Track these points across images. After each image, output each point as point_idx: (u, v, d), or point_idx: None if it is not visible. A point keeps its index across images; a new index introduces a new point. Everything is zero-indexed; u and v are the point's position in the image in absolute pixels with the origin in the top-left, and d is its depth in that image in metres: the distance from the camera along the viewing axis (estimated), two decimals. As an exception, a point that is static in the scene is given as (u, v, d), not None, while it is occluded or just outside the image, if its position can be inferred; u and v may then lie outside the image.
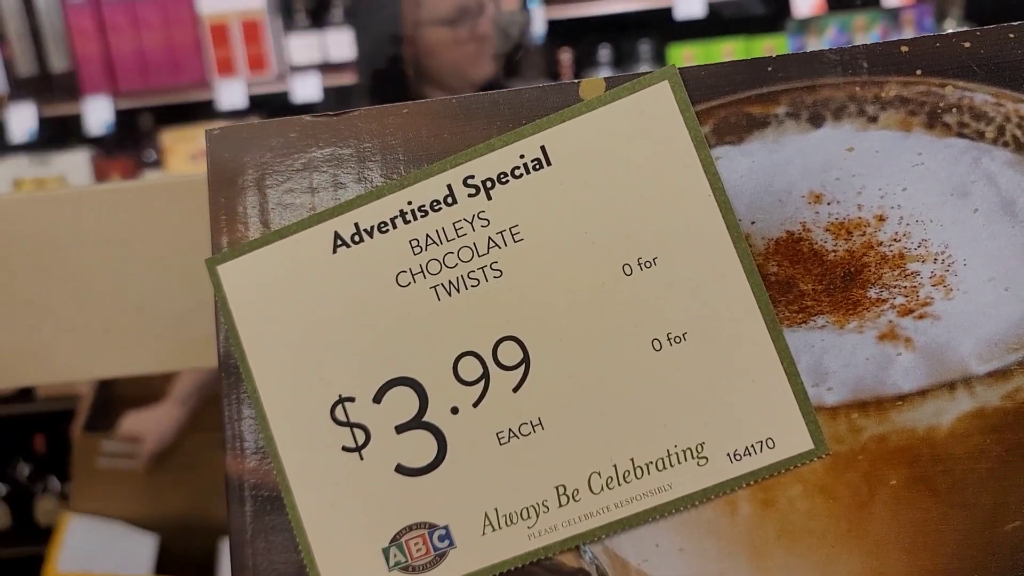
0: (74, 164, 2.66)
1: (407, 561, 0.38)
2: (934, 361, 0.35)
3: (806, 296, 0.36)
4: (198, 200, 0.45)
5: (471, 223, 0.38)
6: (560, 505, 0.37)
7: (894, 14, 2.72)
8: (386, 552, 0.38)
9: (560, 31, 2.71)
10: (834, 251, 0.36)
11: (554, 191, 0.38)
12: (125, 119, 2.69)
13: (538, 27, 2.64)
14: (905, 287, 0.35)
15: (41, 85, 2.65)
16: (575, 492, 0.37)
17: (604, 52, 2.75)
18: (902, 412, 0.35)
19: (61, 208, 0.52)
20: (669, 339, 0.37)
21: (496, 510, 0.37)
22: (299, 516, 0.38)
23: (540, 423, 0.37)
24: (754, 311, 0.36)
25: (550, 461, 0.37)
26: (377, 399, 0.38)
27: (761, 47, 2.69)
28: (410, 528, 0.38)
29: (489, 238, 0.38)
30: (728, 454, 0.36)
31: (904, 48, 0.36)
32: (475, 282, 0.38)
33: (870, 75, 0.36)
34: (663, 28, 2.74)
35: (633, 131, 0.37)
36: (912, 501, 0.35)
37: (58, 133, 2.71)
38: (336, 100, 2.79)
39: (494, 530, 0.37)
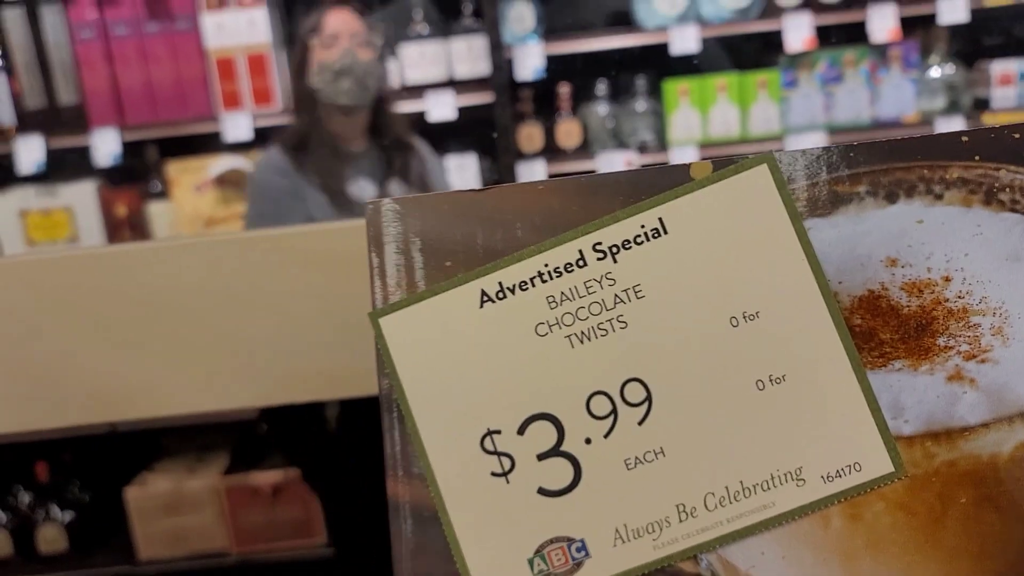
0: (81, 195, 2.71)
1: (549, 570, 0.45)
2: (995, 399, 0.42)
3: (885, 344, 0.43)
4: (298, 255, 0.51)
5: (599, 282, 0.45)
6: (680, 521, 0.44)
7: (882, 50, 2.83)
8: (531, 562, 0.45)
9: (559, 66, 2.79)
10: (908, 306, 0.43)
11: (670, 255, 0.45)
12: (131, 151, 2.74)
13: (537, 62, 2.73)
14: (969, 336, 0.43)
15: (49, 117, 2.70)
16: (693, 509, 0.44)
17: (601, 86, 2.84)
18: (968, 441, 0.42)
19: (173, 257, 0.59)
20: (771, 380, 0.44)
21: (625, 525, 0.44)
22: (454, 532, 0.45)
23: (662, 451, 0.44)
24: (842, 356, 0.44)
25: (671, 483, 0.44)
26: (521, 431, 0.45)
27: (754, 81, 2.79)
28: (551, 541, 0.45)
29: (615, 295, 0.45)
30: (822, 476, 0.44)
31: (965, 139, 0.43)
32: (604, 332, 0.45)
33: (936, 160, 0.44)
34: (659, 63, 2.83)
35: (737, 205, 0.45)
36: (979, 516, 0.42)
37: (65, 164, 2.76)
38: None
39: (624, 542, 0.44)
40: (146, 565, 2.86)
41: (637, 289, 0.45)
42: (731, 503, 0.44)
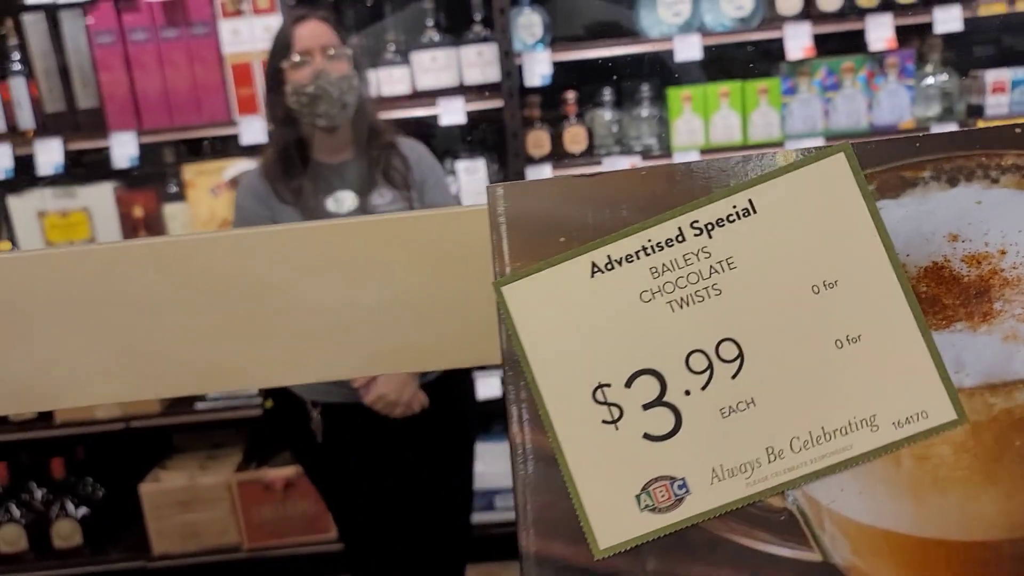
0: (98, 197, 2.76)
1: (654, 505, 0.51)
2: (1044, 354, 0.49)
3: (948, 308, 0.50)
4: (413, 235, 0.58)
5: (696, 255, 0.52)
6: (769, 462, 0.51)
7: (879, 58, 2.92)
8: (638, 498, 0.51)
9: (565, 73, 2.87)
10: (967, 275, 0.50)
11: (759, 232, 0.52)
12: (148, 153, 2.80)
13: (545, 69, 2.80)
14: (1022, 301, 0.49)
15: (68, 121, 2.75)
16: (780, 452, 0.51)
17: (607, 93, 2.91)
18: (1023, 392, 0.49)
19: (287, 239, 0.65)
20: (848, 339, 0.51)
21: (721, 466, 0.51)
22: (570, 473, 0.52)
23: (753, 401, 0.51)
24: (910, 319, 0.50)
25: (761, 429, 0.51)
26: (628, 384, 0.52)
27: (755, 88, 2.87)
28: (656, 480, 0.51)
29: (711, 266, 0.52)
30: (893, 422, 0.50)
31: (1018, 130, 0.50)
32: (700, 298, 0.52)
33: (992, 148, 0.50)
34: (663, 70, 2.91)
35: (818, 188, 0.51)
36: (1031, 454, 0.49)
37: (83, 167, 2.81)
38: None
39: (720, 481, 0.51)
40: (159, 559, 2.91)
41: (730, 261, 0.52)
42: (814, 446, 0.51)
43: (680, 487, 0.51)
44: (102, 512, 3.03)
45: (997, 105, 2.98)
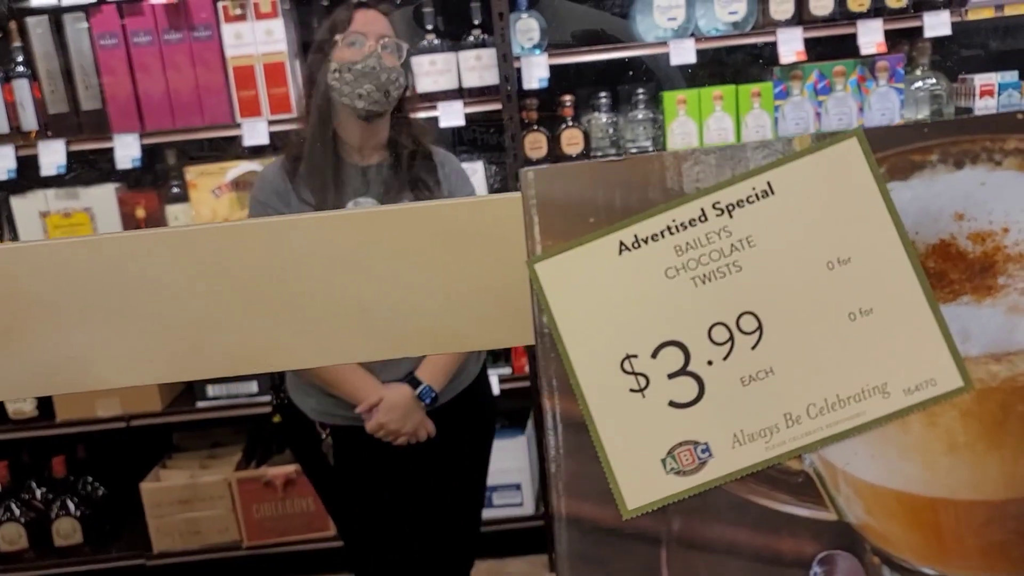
0: (101, 197, 2.79)
1: (679, 467, 0.54)
2: (1044, 324, 0.52)
3: (954, 283, 0.54)
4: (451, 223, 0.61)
5: (718, 234, 0.55)
6: (787, 427, 0.54)
7: (870, 62, 2.96)
8: (663, 462, 0.55)
9: (562, 76, 2.90)
10: (973, 252, 0.54)
11: (777, 212, 0.55)
12: (151, 155, 2.82)
13: (543, 72, 2.83)
14: None
15: (71, 122, 2.77)
16: (797, 418, 0.54)
17: (603, 96, 2.95)
18: (1024, 359, 0.52)
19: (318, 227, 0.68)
20: (860, 312, 0.54)
21: (742, 431, 0.54)
22: (599, 438, 0.55)
23: (771, 370, 0.54)
24: (919, 292, 0.54)
25: (779, 397, 0.54)
26: (654, 355, 0.55)
27: (749, 92, 2.91)
28: (680, 444, 0.55)
29: (731, 244, 0.55)
30: (903, 389, 0.54)
31: (1020, 115, 0.54)
32: (722, 274, 0.55)
33: (995, 133, 0.54)
34: (658, 74, 2.95)
35: (832, 171, 0.55)
36: (1032, 417, 0.52)
37: (86, 168, 2.84)
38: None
39: (740, 445, 0.54)
40: (159, 557, 2.93)
41: (750, 239, 0.55)
42: (829, 412, 0.54)
43: (703, 451, 0.55)
44: (102, 510, 3.04)
45: (985, 108, 3.03)
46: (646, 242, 0.55)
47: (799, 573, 0.54)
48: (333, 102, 1.94)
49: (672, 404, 0.55)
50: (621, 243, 0.56)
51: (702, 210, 0.55)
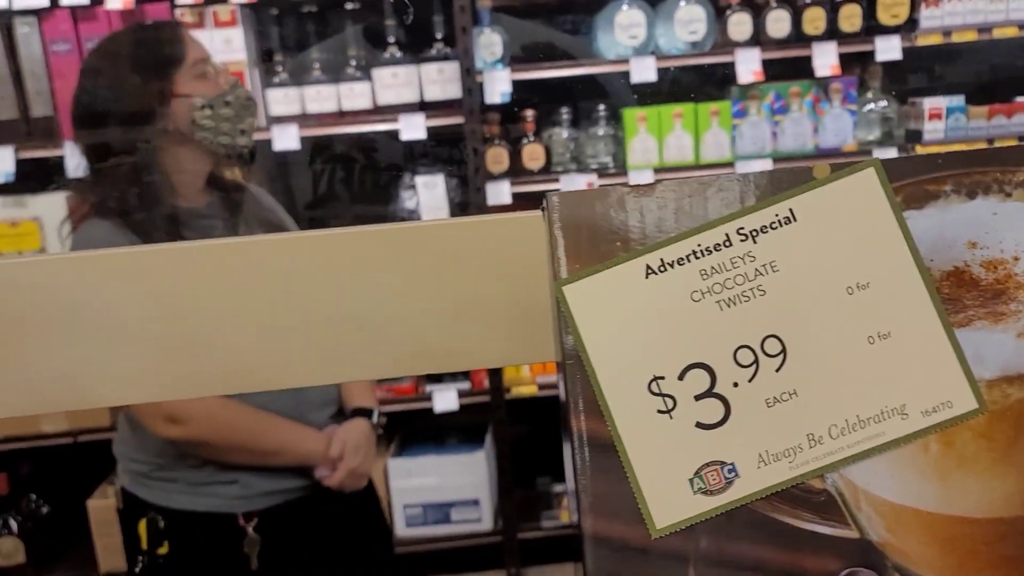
0: (50, 206, 2.74)
1: (706, 487, 0.56)
2: (1055, 349, 0.55)
3: (968, 308, 0.56)
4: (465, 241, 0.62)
5: (742, 259, 0.57)
6: (810, 447, 0.56)
7: (824, 84, 3.03)
8: (691, 481, 0.56)
9: (524, 92, 2.92)
10: (985, 279, 0.56)
11: (799, 238, 0.57)
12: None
13: (505, 87, 2.85)
14: (1034, 302, 0.55)
15: (20, 129, 2.72)
16: (820, 438, 0.56)
17: (565, 112, 2.98)
18: (1035, 382, 0.55)
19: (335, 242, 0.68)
20: (879, 336, 0.56)
21: (767, 451, 0.56)
22: (628, 458, 0.56)
23: (795, 392, 0.56)
24: (935, 317, 0.56)
25: (802, 418, 0.56)
26: (680, 377, 0.56)
27: (707, 111, 2.96)
28: (707, 465, 0.56)
29: (755, 269, 0.57)
30: (921, 411, 0.56)
31: (1029, 150, 0.56)
32: (747, 298, 0.57)
33: (1006, 166, 0.56)
34: (619, 92, 2.98)
35: (851, 199, 0.57)
36: (1044, 438, 0.55)
37: (35, 176, 2.78)
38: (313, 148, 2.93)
39: (765, 465, 0.56)
40: (106, 577, 2.87)
41: (773, 264, 0.57)
42: (850, 432, 0.56)
43: (730, 471, 0.56)
44: (47, 528, 2.98)
45: (934, 131, 3.12)
46: (672, 266, 0.57)
47: (823, 589, 0.55)
48: (193, 138, 1.65)
49: (699, 425, 0.56)
50: (648, 266, 0.57)
51: (727, 235, 0.57)
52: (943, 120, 3.10)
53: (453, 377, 2.98)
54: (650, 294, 0.57)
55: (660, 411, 0.56)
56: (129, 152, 1.63)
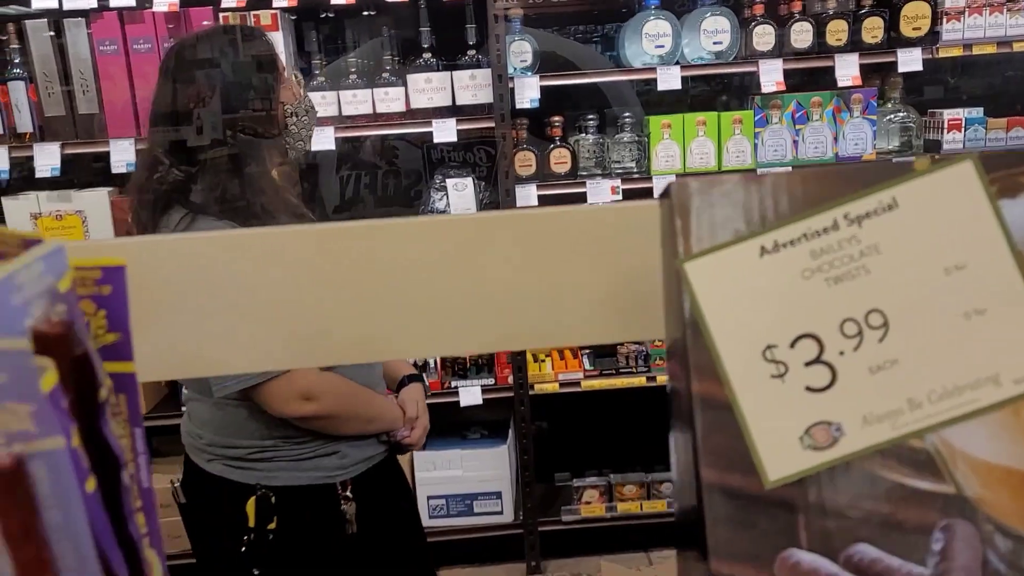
0: (93, 201, 2.80)
1: (815, 444, 0.62)
2: None
3: (1054, 288, 0.62)
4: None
5: (849, 241, 0.63)
6: (910, 411, 0.62)
7: (845, 94, 3.09)
8: (801, 439, 0.62)
9: (552, 98, 2.99)
10: (1070, 262, 0.62)
11: (901, 223, 0.63)
12: (145, 161, 2.83)
13: (534, 93, 2.91)
14: (1115, 283, 0.61)
15: (67, 126, 2.79)
16: (919, 403, 0.62)
17: (591, 118, 3.04)
18: (1116, 354, 0.61)
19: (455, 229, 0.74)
20: (975, 312, 0.62)
21: (870, 412, 0.62)
22: (744, 417, 0.62)
23: (897, 361, 0.62)
24: (1024, 296, 0.62)
25: (904, 384, 0.62)
26: (792, 346, 0.62)
27: (730, 119, 3.02)
28: (816, 424, 0.62)
29: (860, 250, 0.63)
30: (1013, 380, 0.62)
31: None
32: (852, 277, 0.63)
33: (1089, 161, 0.62)
34: (644, 99, 3.05)
35: (949, 189, 0.63)
36: (1124, 405, 0.61)
37: (81, 172, 2.85)
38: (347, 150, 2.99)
39: (869, 425, 0.62)
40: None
41: (876, 246, 0.63)
42: (947, 398, 0.62)
43: (836, 430, 0.62)
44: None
45: (953, 141, 3.18)
46: (784, 247, 0.63)
47: (922, 538, 0.61)
48: (290, 147, 1.78)
49: (808, 389, 0.62)
50: (762, 247, 0.63)
51: (834, 220, 0.63)
52: (962, 131, 3.16)
53: (478, 373, 3.04)
54: (764, 272, 0.63)
55: (773, 376, 0.62)
56: (227, 155, 1.68)
